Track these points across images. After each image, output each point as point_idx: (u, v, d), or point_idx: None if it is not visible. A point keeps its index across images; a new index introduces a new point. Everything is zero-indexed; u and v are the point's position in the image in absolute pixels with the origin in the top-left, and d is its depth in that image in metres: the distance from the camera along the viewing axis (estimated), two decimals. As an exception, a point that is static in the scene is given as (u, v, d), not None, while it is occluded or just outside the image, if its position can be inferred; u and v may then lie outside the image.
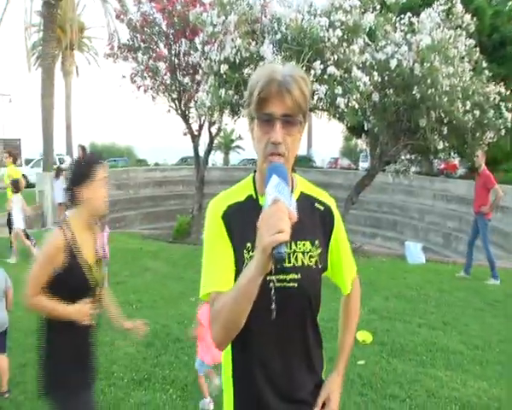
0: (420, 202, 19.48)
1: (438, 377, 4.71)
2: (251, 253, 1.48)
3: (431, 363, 5.08)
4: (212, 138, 13.28)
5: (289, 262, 1.49)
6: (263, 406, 1.54)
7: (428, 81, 8.15)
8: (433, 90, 8.21)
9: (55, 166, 17.39)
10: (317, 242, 1.56)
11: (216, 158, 40.35)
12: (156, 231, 14.54)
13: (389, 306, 6.94)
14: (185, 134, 12.89)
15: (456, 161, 11.48)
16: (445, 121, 8.92)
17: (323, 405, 1.64)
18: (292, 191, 1.52)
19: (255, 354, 1.52)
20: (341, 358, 1.78)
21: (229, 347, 1.56)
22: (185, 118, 12.50)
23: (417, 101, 8.38)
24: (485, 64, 9.95)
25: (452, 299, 7.37)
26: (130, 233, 14.36)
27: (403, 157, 10.33)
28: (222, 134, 44.93)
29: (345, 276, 1.71)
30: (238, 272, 1.44)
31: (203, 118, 12.11)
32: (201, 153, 13.55)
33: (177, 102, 12.11)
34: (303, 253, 1.52)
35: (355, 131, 10.93)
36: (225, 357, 1.61)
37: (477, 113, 9.20)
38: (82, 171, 2.43)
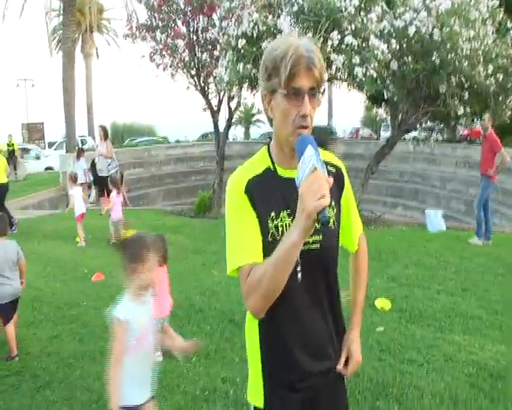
0: (441, 169, 19.25)
1: (456, 342, 4.76)
2: (275, 221, 1.55)
3: (449, 328, 5.12)
4: (231, 113, 13.31)
5: (318, 226, 1.55)
6: (292, 364, 1.61)
7: (448, 46, 7.98)
8: (453, 54, 8.05)
9: (76, 148, 17.68)
10: (332, 202, 1.62)
11: (237, 133, 40.38)
12: (178, 207, 14.75)
13: (408, 273, 6.97)
14: (205, 110, 12.95)
15: (479, 126, 11.26)
16: (466, 86, 8.73)
17: (346, 360, 1.74)
18: None
19: (283, 315, 1.58)
20: (355, 313, 1.86)
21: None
22: (204, 94, 12.55)
23: (437, 67, 8.23)
24: (510, 25, 9.58)
25: (472, 265, 7.35)
26: (152, 209, 14.63)
27: (423, 125, 10.17)
28: (242, 109, 44.74)
29: (353, 234, 1.78)
30: (264, 244, 1.53)
31: (222, 93, 12.13)
32: (221, 128, 13.61)
33: (196, 78, 12.15)
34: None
35: (375, 100, 10.77)
36: (251, 321, 1.68)
37: (500, 76, 8.91)
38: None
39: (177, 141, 30.11)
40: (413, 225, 10.75)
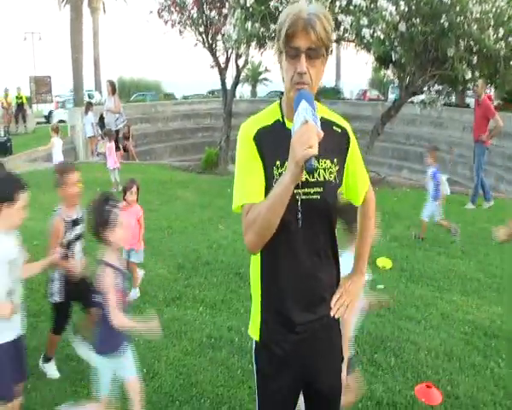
0: (448, 134, 19.10)
1: (453, 302, 4.95)
2: (280, 169, 1.68)
3: (447, 288, 5.30)
4: (238, 71, 13.24)
5: (313, 177, 1.69)
6: (288, 307, 1.76)
7: (457, 9, 7.88)
8: (463, 17, 7.97)
9: (85, 102, 17.69)
10: (335, 160, 1.76)
11: (243, 90, 39.94)
12: (185, 163, 14.85)
13: (410, 234, 7.12)
14: (212, 67, 12.89)
15: (491, 91, 11.15)
16: (475, 50, 8.62)
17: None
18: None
19: (283, 258, 1.74)
20: (358, 261, 2.02)
21: (259, 256, 1.78)
22: (212, 51, 12.46)
23: (445, 29, 8.14)
24: None
25: (474, 230, 7.46)
26: (159, 164, 14.72)
27: (430, 88, 10.08)
28: (249, 67, 44.04)
29: (359, 189, 1.92)
30: (268, 188, 1.66)
31: (230, 51, 12.05)
32: (229, 86, 13.55)
33: (204, 35, 12.04)
34: (324, 169, 1.73)
35: (383, 61, 10.67)
36: (254, 262, 1.83)
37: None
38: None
39: (185, 97, 29.89)
40: (417, 188, 10.82)
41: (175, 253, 6.22)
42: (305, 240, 1.73)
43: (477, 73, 9.07)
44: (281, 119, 1.75)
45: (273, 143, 1.70)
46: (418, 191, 10.40)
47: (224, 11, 9.77)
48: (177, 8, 11.41)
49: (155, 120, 21.83)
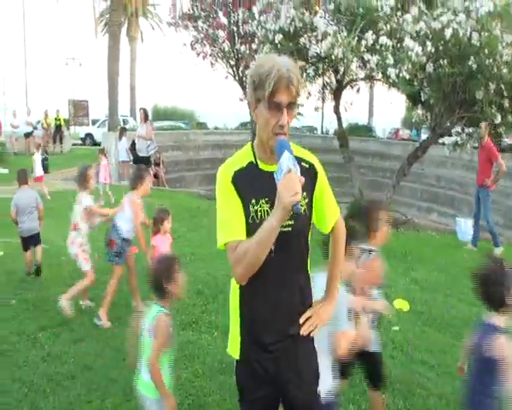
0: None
1: (470, 351, 4.86)
2: (255, 206, 1.88)
3: (465, 336, 5.19)
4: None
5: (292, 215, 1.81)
6: (261, 329, 1.96)
7: (486, 51, 7.87)
8: (492, 60, 7.94)
9: (118, 127, 18.24)
10: (304, 193, 1.90)
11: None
12: (213, 192, 15.04)
13: (431, 278, 6.99)
14: (241, 100, 13.20)
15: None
16: (506, 94, 8.58)
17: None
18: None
19: (259, 286, 1.92)
20: (331, 284, 2.17)
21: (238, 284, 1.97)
22: (242, 84, 12.78)
23: (474, 72, 8.14)
24: None
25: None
26: (188, 192, 14.98)
27: (459, 130, 10.05)
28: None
29: (327, 219, 2.08)
30: (246, 224, 1.87)
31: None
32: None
33: (234, 68, 12.39)
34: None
35: (413, 101, 10.74)
36: (234, 288, 2.02)
37: None
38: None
39: (216, 128, 30.45)
40: (443, 232, 10.65)
41: (195, 279, 6.31)
42: (277, 268, 1.91)
43: (510, 118, 9.01)
44: (254, 160, 1.94)
45: (248, 183, 1.89)
46: (444, 235, 10.26)
47: (254, 46, 10.05)
48: (209, 41, 11.82)
49: (187, 149, 22.27)
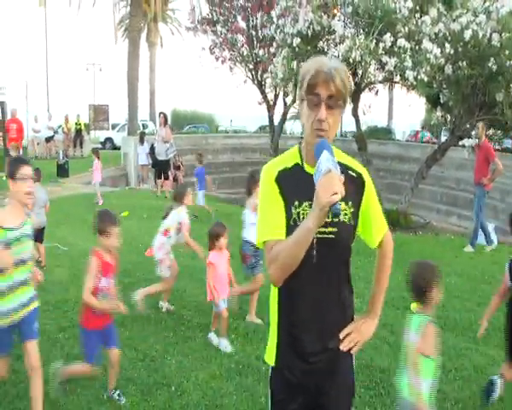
0: (502, 181, 18.48)
1: (489, 355, 4.74)
2: (298, 209, 1.82)
3: (484, 341, 5.00)
4: (286, 108, 13.54)
5: (329, 218, 1.75)
6: (300, 338, 1.89)
7: (507, 52, 7.76)
8: (512, 61, 7.84)
9: (138, 132, 18.45)
10: (350, 202, 1.86)
11: (295, 127, 40.30)
12: (231, 196, 15.13)
13: (449, 282, 6.84)
14: (260, 103, 13.26)
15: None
16: (527, 96, 8.49)
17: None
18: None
19: (299, 292, 1.87)
20: (375, 302, 2.10)
21: (276, 288, 1.90)
22: (261, 88, 12.84)
23: (494, 73, 8.05)
24: None
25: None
26: (207, 195, 15.07)
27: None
28: (300, 104, 44.43)
29: (374, 233, 2.00)
30: (287, 225, 1.81)
31: (278, 88, 12.38)
32: (277, 122, 13.85)
33: (253, 72, 12.46)
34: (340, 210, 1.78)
35: (433, 103, 10.66)
36: (273, 292, 1.96)
37: None
38: None
39: (235, 131, 30.58)
40: (462, 236, 10.53)
41: (214, 281, 6.37)
42: (320, 275, 1.85)
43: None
44: (300, 162, 1.90)
45: (292, 184, 1.85)
46: (463, 239, 10.11)
47: (272, 50, 10.09)
48: (228, 46, 11.90)
49: (206, 152, 22.38)
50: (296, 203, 1.83)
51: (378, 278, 2.11)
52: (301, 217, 1.82)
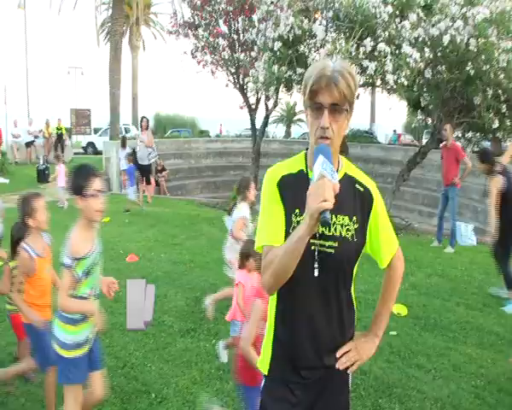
0: (482, 182, 18.78)
1: (467, 354, 4.80)
2: (298, 217, 1.74)
3: (463, 340, 5.14)
4: (268, 112, 13.57)
5: (329, 231, 1.73)
6: (295, 350, 1.83)
7: (483, 57, 7.90)
8: (489, 66, 7.97)
9: (120, 136, 18.31)
10: (354, 218, 1.79)
11: (278, 131, 40.39)
12: (214, 200, 15.11)
13: (430, 283, 6.99)
14: (241, 108, 13.25)
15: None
16: (503, 99, 8.63)
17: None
18: (337, 170, 1.77)
19: (297, 304, 1.81)
20: (374, 322, 2.02)
21: (275, 297, 1.85)
22: (243, 92, 12.84)
23: (472, 77, 8.18)
24: None
25: (498, 282, 7.32)
26: (189, 200, 15.03)
27: (458, 135, 10.09)
28: (284, 107, 44.66)
29: (382, 252, 1.90)
30: (287, 233, 1.73)
31: (260, 92, 12.40)
32: (259, 126, 13.86)
33: (235, 76, 12.46)
34: (341, 225, 1.76)
35: (414, 106, 10.80)
36: (271, 301, 1.89)
37: None
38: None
39: (218, 136, 30.57)
40: (443, 236, 10.68)
41: (194, 286, 6.36)
42: (321, 290, 1.78)
43: (508, 122, 9.07)
44: (305, 169, 1.82)
45: (295, 191, 1.76)
46: (444, 240, 10.25)
47: (253, 54, 10.09)
48: (210, 49, 11.88)
49: (188, 157, 22.33)
50: (297, 212, 1.76)
51: (384, 299, 2.04)
52: None
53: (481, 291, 6.80)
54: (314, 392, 1.86)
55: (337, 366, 1.85)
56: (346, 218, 1.77)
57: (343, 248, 1.76)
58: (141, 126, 12.12)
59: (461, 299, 6.46)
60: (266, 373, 1.91)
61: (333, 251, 1.74)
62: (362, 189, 1.83)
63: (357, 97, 10.83)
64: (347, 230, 1.77)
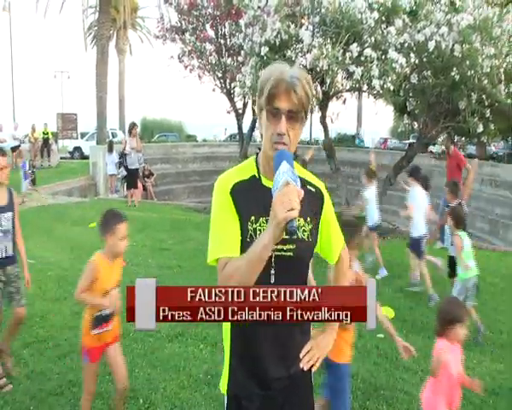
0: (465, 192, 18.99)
1: (453, 356, 4.93)
2: (254, 225, 1.70)
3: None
4: (255, 116, 13.61)
5: (286, 235, 1.62)
6: (255, 365, 1.77)
7: (468, 62, 8.02)
8: (473, 71, 8.09)
9: (107, 140, 18.22)
10: (308, 218, 1.78)
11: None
12: (201, 205, 15.10)
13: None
14: (228, 112, 13.26)
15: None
16: (487, 104, 8.76)
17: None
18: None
19: None
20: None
21: None
22: (230, 96, 12.85)
23: (457, 82, 8.28)
24: None
25: (485, 285, 7.34)
26: (176, 205, 15.00)
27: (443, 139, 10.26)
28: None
29: (333, 249, 1.95)
30: (242, 242, 1.69)
31: (247, 97, 12.44)
32: (246, 130, 13.89)
33: (221, 81, 12.48)
34: (297, 227, 1.71)
35: (400, 111, 10.91)
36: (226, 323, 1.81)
37: None
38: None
39: (204, 140, 30.55)
40: (430, 240, 10.77)
41: (182, 290, 6.32)
42: None
43: (492, 127, 9.21)
44: (257, 174, 1.78)
45: (249, 198, 1.73)
46: (431, 243, 10.34)
47: (240, 59, 10.11)
48: (197, 54, 11.89)
49: (175, 161, 22.29)
50: (252, 219, 1.72)
51: None
52: (258, 233, 1.70)
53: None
54: (279, 402, 1.82)
55: (301, 365, 1.80)
56: (302, 219, 1.75)
57: (301, 250, 1.74)
58: (130, 132, 11.99)
59: (447, 301, 6.53)
60: (225, 393, 1.83)
61: (291, 254, 1.72)
62: (313, 189, 1.83)
63: (344, 102, 10.96)
64: (303, 231, 1.76)
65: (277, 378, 1.79)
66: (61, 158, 24.21)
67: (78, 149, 28.38)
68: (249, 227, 1.71)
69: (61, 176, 18.12)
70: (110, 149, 15.92)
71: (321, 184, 1.90)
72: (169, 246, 8.87)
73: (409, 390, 4.13)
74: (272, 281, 1.68)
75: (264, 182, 1.76)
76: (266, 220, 1.65)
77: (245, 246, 1.67)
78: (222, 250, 1.69)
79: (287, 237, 1.59)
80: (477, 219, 16.90)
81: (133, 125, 12.31)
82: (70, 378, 3.97)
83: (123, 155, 13.47)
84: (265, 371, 1.77)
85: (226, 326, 1.84)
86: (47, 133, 22.20)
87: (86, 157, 22.95)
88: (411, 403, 3.93)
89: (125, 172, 13.45)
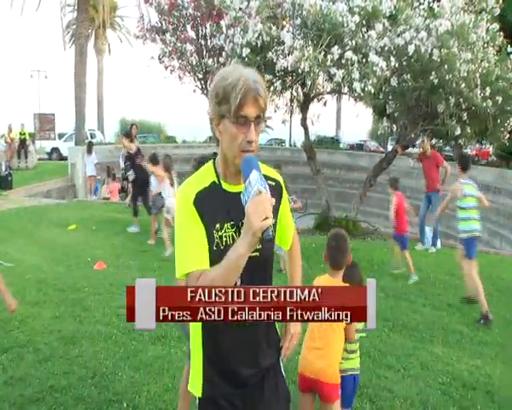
0: (444, 188, 19.31)
1: (434, 353, 4.98)
2: (220, 232, 1.71)
3: (429, 340, 5.34)
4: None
5: (260, 243, 1.66)
6: (226, 368, 1.80)
7: (446, 66, 8.18)
8: (451, 75, 8.25)
9: (86, 141, 18.02)
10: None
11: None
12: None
13: (397, 286, 7.16)
14: (209, 113, 13.20)
15: (490, 148, 11.61)
16: (464, 107, 8.94)
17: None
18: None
19: None
20: None
21: None
22: (210, 97, 12.80)
23: (435, 86, 8.44)
24: (510, 49, 9.46)
25: (462, 283, 7.51)
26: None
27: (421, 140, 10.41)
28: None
29: (288, 236, 2.02)
30: (210, 251, 1.70)
31: (228, 98, 12.38)
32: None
33: (202, 82, 12.43)
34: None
35: (380, 114, 11.06)
36: (194, 326, 1.82)
37: (500, 99, 8.98)
38: None
39: (184, 141, 30.42)
40: (410, 240, 10.90)
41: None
42: None
43: (469, 130, 9.40)
44: (217, 181, 1.77)
45: (212, 206, 1.72)
46: (411, 243, 10.48)
47: (221, 60, 10.10)
48: (177, 55, 11.82)
49: (155, 162, 22.11)
50: (217, 226, 1.72)
51: (295, 275, 2.13)
52: (224, 240, 1.72)
53: (446, 292, 7.03)
54: (257, 395, 1.85)
55: (281, 357, 1.93)
56: None
57: (266, 249, 1.78)
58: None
59: (427, 300, 6.68)
60: (200, 395, 1.82)
61: (258, 254, 1.73)
62: (273, 183, 1.84)
63: (325, 104, 11.04)
64: (271, 231, 1.76)
65: (252, 375, 1.83)
66: (39, 159, 23.84)
67: (56, 149, 27.91)
68: (215, 235, 1.72)
69: (39, 177, 17.86)
70: (89, 150, 15.73)
71: (278, 176, 1.91)
72: (150, 248, 8.82)
73: (391, 388, 4.18)
74: (239, 283, 1.67)
75: (226, 187, 1.77)
76: (231, 226, 1.72)
77: (213, 254, 1.69)
78: (192, 264, 1.68)
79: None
80: (454, 219, 17.13)
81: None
82: (51, 384, 3.91)
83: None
84: (239, 369, 1.80)
85: (194, 329, 1.83)
86: (24, 134, 21.82)
87: (64, 158, 22.66)
88: (394, 400, 3.98)
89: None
